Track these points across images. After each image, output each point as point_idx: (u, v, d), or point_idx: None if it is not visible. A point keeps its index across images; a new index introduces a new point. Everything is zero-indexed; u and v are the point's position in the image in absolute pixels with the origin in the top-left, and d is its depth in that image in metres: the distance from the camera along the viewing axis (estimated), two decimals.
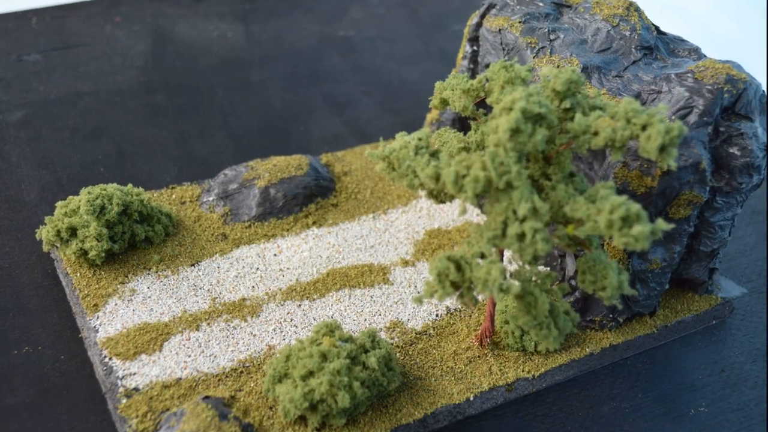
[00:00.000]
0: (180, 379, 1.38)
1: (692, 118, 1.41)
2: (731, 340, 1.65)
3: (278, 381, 1.33)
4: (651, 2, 2.28)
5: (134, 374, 1.38)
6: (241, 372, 1.41)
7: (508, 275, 1.20)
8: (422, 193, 1.84)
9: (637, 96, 1.47)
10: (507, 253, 1.61)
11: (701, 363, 1.60)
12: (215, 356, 1.43)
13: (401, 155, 1.27)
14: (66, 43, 2.37)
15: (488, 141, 1.13)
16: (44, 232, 1.55)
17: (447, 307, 1.58)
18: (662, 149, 1.12)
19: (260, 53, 2.46)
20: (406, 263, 1.67)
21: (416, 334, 1.52)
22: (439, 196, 1.31)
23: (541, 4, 1.67)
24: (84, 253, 1.53)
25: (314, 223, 1.74)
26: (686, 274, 1.61)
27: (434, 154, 1.27)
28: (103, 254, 1.52)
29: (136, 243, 1.61)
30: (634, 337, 1.57)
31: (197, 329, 1.48)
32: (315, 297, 1.57)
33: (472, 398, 1.42)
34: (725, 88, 1.42)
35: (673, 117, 1.41)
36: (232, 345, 1.46)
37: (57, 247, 1.57)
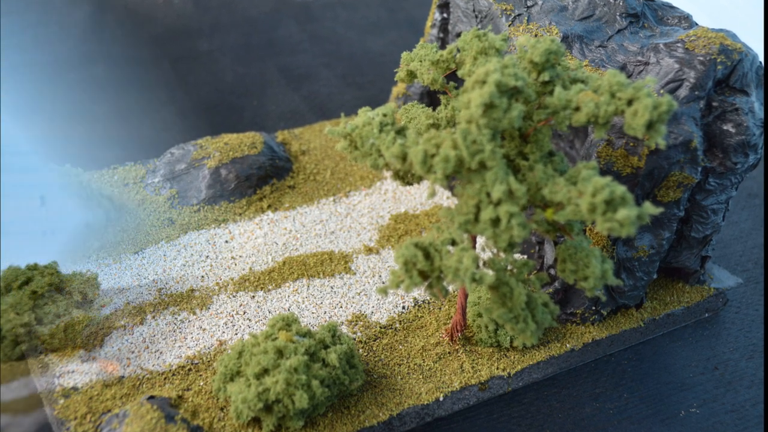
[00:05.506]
0: (122, 377, 1.38)
1: (683, 92, 1.42)
2: (725, 335, 1.66)
3: (230, 379, 1.33)
4: None
5: (72, 372, 1.37)
6: (190, 370, 1.41)
7: (481, 264, 1.20)
8: (387, 173, 1.84)
9: (623, 68, 1.47)
10: (480, 240, 1.62)
11: (692, 360, 1.61)
12: (161, 352, 1.43)
13: (364, 132, 1.27)
14: None
15: (459, 117, 1.13)
16: None
17: (414, 299, 1.58)
18: (650, 126, 1.12)
19: (210, 21, 2.45)
20: (369, 250, 1.67)
21: (381, 328, 1.52)
22: (405, 177, 1.31)
23: None
24: None
25: (269, 206, 1.74)
26: (676, 262, 1.62)
27: (400, 132, 1.27)
28: None
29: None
30: (619, 331, 1.58)
31: (141, 323, 1.47)
32: (270, 287, 1.57)
33: (441, 398, 1.43)
34: (719, 59, 1.42)
35: (661, 91, 1.42)
36: (179, 340, 1.45)
37: None
